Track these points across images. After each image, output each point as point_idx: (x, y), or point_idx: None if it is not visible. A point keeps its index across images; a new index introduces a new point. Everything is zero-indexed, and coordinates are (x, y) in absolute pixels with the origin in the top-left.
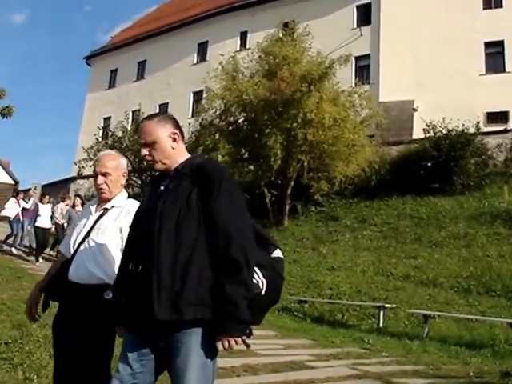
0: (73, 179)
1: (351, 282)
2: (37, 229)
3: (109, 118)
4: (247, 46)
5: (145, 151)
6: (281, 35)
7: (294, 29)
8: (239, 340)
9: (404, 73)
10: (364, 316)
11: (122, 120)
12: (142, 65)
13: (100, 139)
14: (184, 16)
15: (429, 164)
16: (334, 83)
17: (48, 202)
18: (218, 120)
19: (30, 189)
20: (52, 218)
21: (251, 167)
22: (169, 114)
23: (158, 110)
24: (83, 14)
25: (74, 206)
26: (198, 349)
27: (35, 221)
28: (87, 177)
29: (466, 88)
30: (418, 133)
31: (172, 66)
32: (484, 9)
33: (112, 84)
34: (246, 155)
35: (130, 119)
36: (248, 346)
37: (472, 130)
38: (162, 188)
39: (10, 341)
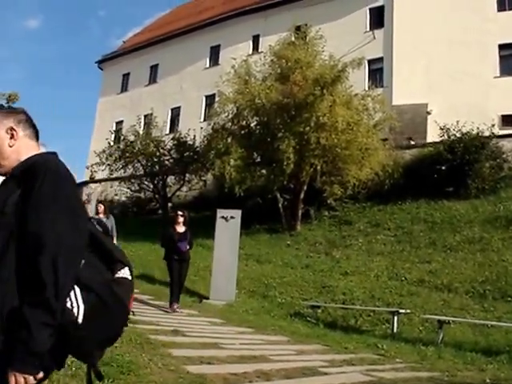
0: (85, 183)
1: (365, 286)
2: None
3: (121, 122)
4: (260, 50)
5: None
6: (293, 39)
7: (306, 32)
8: (31, 379)
9: (417, 76)
10: (378, 321)
11: (134, 124)
12: (154, 69)
13: (112, 143)
14: (196, 20)
15: (443, 167)
16: (347, 87)
17: None
18: (230, 124)
19: None
20: None
21: (264, 171)
22: (18, 108)
23: (170, 114)
24: (96, 19)
25: (96, 213)
26: None
27: None
28: (100, 181)
29: (480, 91)
30: (431, 136)
31: (184, 69)
32: (498, 11)
33: (124, 88)
34: (259, 159)
35: (142, 123)
36: None
37: (487, 133)
38: None
39: None
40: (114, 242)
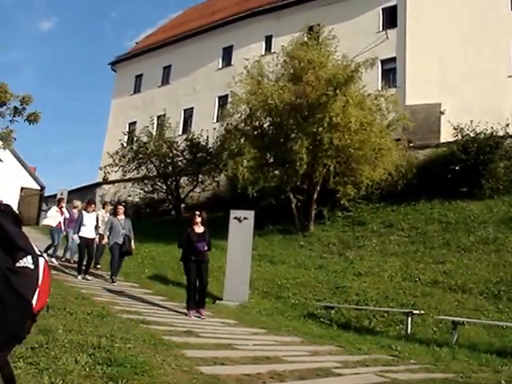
0: (98, 184)
1: (378, 287)
2: (80, 239)
3: (134, 123)
4: (272, 50)
5: None
6: (306, 39)
7: (319, 32)
8: None
9: (431, 75)
10: (391, 322)
11: (147, 125)
12: (167, 70)
13: (125, 144)
14: (208, 20)
15: (457, 168)
16: (360, 87)
17: (93, 211)
18: (243, 124)
19: (56, 194)
20: (97, 228)
21: (277, 172)
22: None
23: (183, 115)
24: (110, 21)
25: (115, 214)
26: None
27: (79, 230)
28: (113, 182)
29: (494, 90)
30: (445, 136)
31: (197, 70)
32: None
33: (137, 89)
34: (272, 160)
35: (155, 124)
36: None
37: (501, 133)
38: None
39: (36, 345)
40: (132, 244)
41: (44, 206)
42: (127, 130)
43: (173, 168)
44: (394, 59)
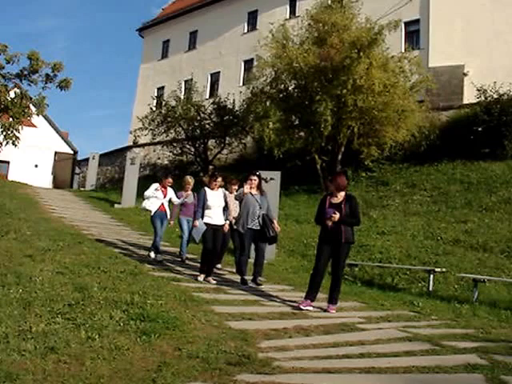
0: (129, 148)
1: (401, 246)
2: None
3: (162, 87)
4: (296, 14)
5: None
6: (330, 2)
7: None
8: None
9: (455, 37)
10: (414, 280)
11: (175, 89)
12: (193, 35)
13: (154, 108)
14: None
15: (479, 129)
16: (384, 49)
17: (220, 187)
18: (268, 88)
19: (88, 158)
20: (225, 210)
21: (302, 134)
22: None
23: (209, 79)
24: None
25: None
26: None
27: (202, 215)
28: (142, 145)
29: None
30: (468, 98)
31: (223, 35)
32: None
33: (164, 54)
34: (297, 122)
35: (183, 88)
36: None
37: None
38: None
39: (73, 302)
40: (276, 225)
41: (77, 170)
42: (155, 94)
43: (201, 131)
44: (417, 21)
